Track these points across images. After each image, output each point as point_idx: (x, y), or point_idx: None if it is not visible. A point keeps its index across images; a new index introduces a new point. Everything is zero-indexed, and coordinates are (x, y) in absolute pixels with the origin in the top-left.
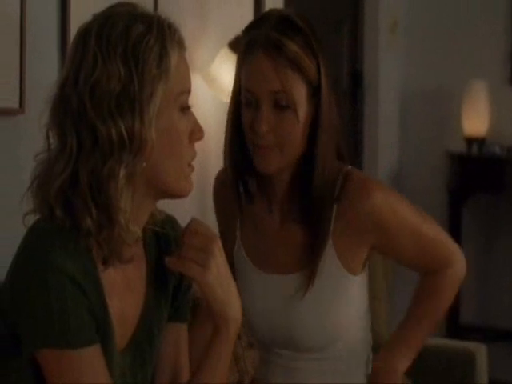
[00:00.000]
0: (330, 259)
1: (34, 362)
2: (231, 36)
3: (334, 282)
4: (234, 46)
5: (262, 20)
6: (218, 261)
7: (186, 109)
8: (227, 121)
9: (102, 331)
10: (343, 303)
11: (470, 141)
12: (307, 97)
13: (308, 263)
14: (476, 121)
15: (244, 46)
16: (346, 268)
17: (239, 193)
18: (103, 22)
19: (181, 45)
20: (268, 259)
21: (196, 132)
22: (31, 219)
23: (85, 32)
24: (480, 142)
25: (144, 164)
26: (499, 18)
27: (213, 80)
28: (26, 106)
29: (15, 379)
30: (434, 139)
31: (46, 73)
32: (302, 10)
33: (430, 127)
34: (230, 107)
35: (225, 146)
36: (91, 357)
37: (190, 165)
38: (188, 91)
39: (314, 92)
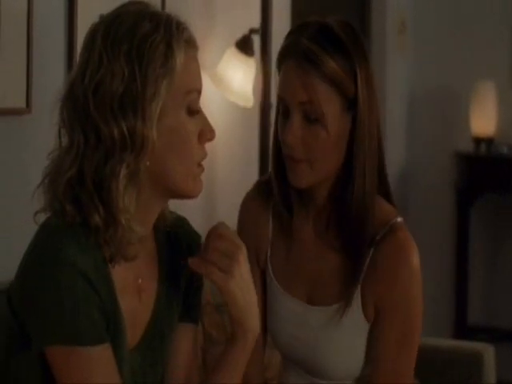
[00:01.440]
0: (354, 306)
1: (42, 359)
2: (238, 35)
3: (355, 327)
4: (241, 45)
5: (301, 28)
6: (242, 269)
7: (194, 108)
8: (273, 128)
9: (112, 328)
10: (362, 347)
11: (477, 141)
12: (341, 110)
13: (336, 300)
14: (484, 121)
15: (278, 55)
16: (364, 315)
17: (281, 201)
18: (111, 21)
19: (190, 44)
20: (295, 283)
21: (206, 132)
22: (42, 217)
23: (93, 31)
24: (488, 142)
25: (148, 163)
26: (506, 18)
27: (220, 79)
28: (33, 105)
29: (24, 376)
30: (442, 139)
31: (53, 73)
32: (308, 11)
33: (438, 127)
34: (275, 116)
35: (271, 154)
36: (101, 355)
37: (199, 165)
38: (197, 91)
39: (350, 106)
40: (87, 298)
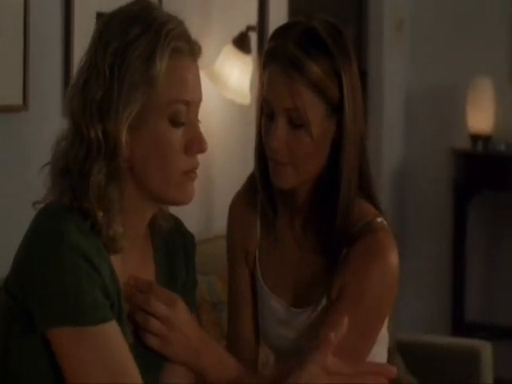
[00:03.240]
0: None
1: (46, 343)
2: (235, 33)
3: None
4: (238, 42)
5: (286, 29)
6: None
7: (178, 119)
8: (256, 127)
9: (116, 312)
10: None
11: (475, 138)
12: (325, 116)
13: (318, 302)
14: (481, 118)
15: (265, 55)
16: None
17: (266, 200)
18: (108, 20)
19: (181, 53)
20: (280, 285)
21: (194, 144)
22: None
23: (94, 28)
24: (485, 139)
25: (126, 165)
26: (504, 14)
27: (217, 77)
28: (30, 103)
29: (28, 361)
30: (439, 137)
31: (50, 69)
32: (306, 9)
33: (435, 125)
34: (256, 114)
35: (254, 152)
36: (109, 333)
37: (186, 173)
38: (183, 102)
39: (334, 110)
40: (90, 279)
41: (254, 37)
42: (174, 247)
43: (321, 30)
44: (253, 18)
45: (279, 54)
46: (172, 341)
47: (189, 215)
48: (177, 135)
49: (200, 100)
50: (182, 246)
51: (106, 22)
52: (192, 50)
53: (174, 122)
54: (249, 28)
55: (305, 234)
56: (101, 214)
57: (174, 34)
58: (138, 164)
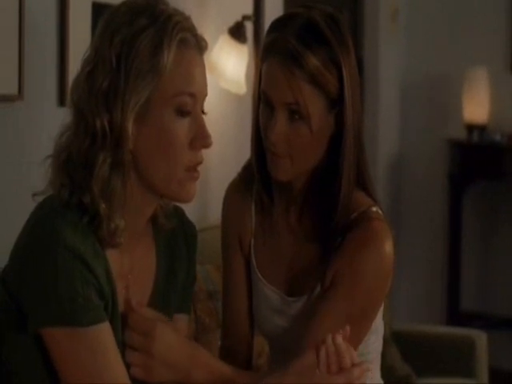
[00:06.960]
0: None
1: (39, 341)
2: (231, 22)
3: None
4: (234, 32)
5: (285, 21)
6: None
7: (184, 112)
8: (252, 118)
9: (110, 311)
10: None
11: (470, 128)
12: (324, 109)
13: (312, 290)
14: (476, 108)
15: (264, 48)
16: None
17: (262, 189)
18: (116, 10)
19: (187, 45)
20: (275, 273)
21: (199, 138)
22: (40, 199)
23: (102, 18)
24: (480, 129)
25: (130, 156)
26: (500, 4)
27: (213, 67)
28: (25, 92)
29: (20, 358)
30: (435, 126)
31: (45, 59)
32: None
33: (431, 114)
34: (253, 104)
35: (251, 141)
36: (101, 334)
37: (190, 170)
38: (189, 94)
39: (333, 104)
40: (84, 280)
41: (249, 26)
42: (175, 242)
43: (320, 21)
44: (248, 8)
45: (279, 47)
46: (154, 368)
47: (185, 205)
48: (182, 127)
49: (205, 95)
50: (183, 239)
51: (112, 14)
52: (199, 44)
53: (180, 112)
54: (244, 17)
55: (300, 223)
56: (103, 205)
57: (182, 26)
58: (142, 156)
